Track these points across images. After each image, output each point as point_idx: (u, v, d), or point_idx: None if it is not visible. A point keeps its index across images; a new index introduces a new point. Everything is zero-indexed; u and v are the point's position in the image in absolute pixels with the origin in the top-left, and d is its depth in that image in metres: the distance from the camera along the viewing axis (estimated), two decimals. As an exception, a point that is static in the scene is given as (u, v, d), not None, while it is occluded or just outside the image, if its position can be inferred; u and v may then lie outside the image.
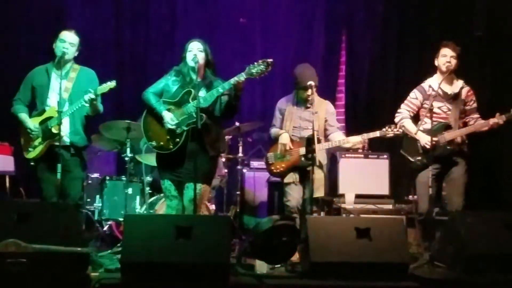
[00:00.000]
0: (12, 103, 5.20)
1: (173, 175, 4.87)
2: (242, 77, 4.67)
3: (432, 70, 5.48)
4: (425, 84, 5.49)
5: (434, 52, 5.46)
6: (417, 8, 7.94)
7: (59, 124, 4.80)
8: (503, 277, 4.39)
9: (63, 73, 5.02)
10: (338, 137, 5.52)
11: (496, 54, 6.98)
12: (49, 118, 5.01)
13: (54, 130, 4.96)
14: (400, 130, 5.33)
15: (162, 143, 4.84)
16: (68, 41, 5.09)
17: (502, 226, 4.65)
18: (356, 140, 5.38)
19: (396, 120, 5.47)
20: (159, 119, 4.86)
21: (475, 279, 4.40)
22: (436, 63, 5.43)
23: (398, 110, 5.56)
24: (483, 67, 6.99)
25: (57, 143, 4.85)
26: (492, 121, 5.26)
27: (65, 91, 4.98)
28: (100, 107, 5.16)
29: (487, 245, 4.54)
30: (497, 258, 4.50)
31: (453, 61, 5.34)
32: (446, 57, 5.34)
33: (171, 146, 4.80)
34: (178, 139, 4.78)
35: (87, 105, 4.96)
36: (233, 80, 4.68)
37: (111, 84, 5.00)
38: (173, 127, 4.78)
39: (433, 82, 5.45)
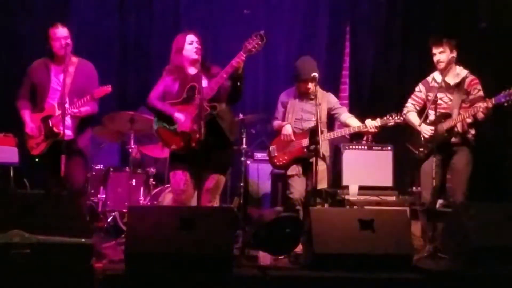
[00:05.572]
0: (16, 98, 5.23)
1: (191, 167, 4.81)
2: (242, 56, 4.66)
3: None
4: (429, 77, 5.52)
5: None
6: (421, -1, 7.92)
7: (62, 122, 4.81)
8: (507, 269, 4.38)
9: (62, 68, 5.02)
10: (351, 119, 5.53)
11: (500, 45, 6.95)
12: (50, 116, 5.03)
13: (55, 130, 4.98)
14: (401, 118, 5.34)
15: (182, 143, 4.76)
16: (62, 36, 5.05)
17: (506, 218, 4.63)
18: (372, 123, 5.36)
19: (403, 113, 5.50)
20: (171, 121, 4.80)
21: (479, 271, 4.39)
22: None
23: (405, 104, 5.61)
24: (487, 59, 6.95)
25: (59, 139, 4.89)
26: (479, 106, 5.15)
27: (65, 87, 4.98)
28: (94, 110, 5.18)
29: (490, 237, 4.53)
30: (501, 250, 4.49)
31: (443, 56, 5.30)
32: (435, 55, 5.36)
33: (194, 144, 4.70)
34: (197, 135, 4.66)
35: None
36: (234, 62, 4.66)
37: (106, 89, 5.04)
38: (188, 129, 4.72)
39: (437, 75, 5.48)
